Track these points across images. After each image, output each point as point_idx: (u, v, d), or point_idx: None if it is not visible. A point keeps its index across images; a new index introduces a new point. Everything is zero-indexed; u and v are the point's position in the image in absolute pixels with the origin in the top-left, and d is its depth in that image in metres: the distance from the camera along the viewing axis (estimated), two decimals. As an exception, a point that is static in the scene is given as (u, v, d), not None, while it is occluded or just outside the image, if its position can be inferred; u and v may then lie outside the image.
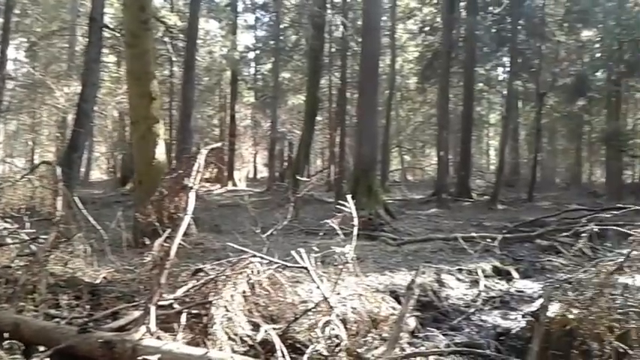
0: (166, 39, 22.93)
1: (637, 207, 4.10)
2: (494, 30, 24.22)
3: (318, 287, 4.11)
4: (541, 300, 4.39)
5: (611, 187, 24.39)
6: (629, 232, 3.07)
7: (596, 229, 4.56)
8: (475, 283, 9.23)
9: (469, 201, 21.23)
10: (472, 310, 7.93)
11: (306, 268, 4.27)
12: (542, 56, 23.31)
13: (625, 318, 3.14)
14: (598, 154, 34.27)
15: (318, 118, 29.31)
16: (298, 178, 11.90)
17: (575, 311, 3.43)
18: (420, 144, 38.36)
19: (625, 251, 3.08)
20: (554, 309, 4.13)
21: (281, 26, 26.40)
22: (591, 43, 27.87)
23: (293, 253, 4.63)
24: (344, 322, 4.30)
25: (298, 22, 23.32)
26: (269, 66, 30.79)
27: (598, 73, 28.59)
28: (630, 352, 3.06)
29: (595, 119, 32.26)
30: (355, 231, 4.84)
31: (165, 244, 5.58)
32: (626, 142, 24.95)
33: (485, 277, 9.17)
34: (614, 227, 4.39)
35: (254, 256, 4.31)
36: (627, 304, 3.22)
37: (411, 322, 6.65)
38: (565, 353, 3.42)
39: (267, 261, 4.41)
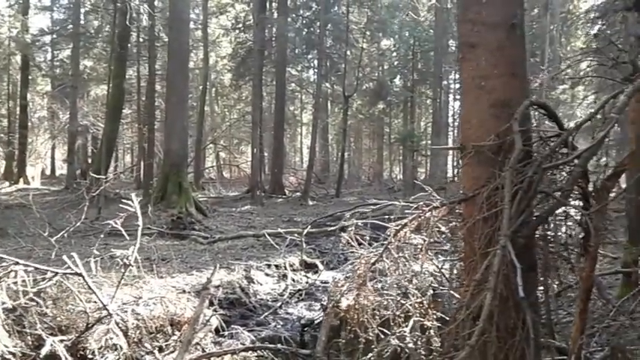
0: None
1: (391, 202, 4.48)
2: (305, 32, 25.16)
3: (93, 293, 3.71)
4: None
5: (406, 183, 27.01)
6: (386, 224, 3.33)
7: (360, 223, 4.91)
8: (283, 277, 9.48)
9: (282, 197, 21.78)
10: (279, 304, 8.11)
11: (80, 275, 3.82)
12: (347, 61, 24.88)
13: (385, 305, 3.40)
14: (397, 153, 37.92)
15: (127, 111, 27.57)
16: (93, 175, 10.89)
17: (345, 301, 3.62)
18: (236, 141, 38.38)
19: (385, 242, 3.34)
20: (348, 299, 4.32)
21: (82, 10, 24.17)
22: (390, 52, 30.65)
23: (65, 258, 4.15)
24: (126, 329, 3.96)
25: (100, 7, 21.53)
26: (68, 52, 28.01)
27: (396, 80, 31.63)
28: (388, 333, 3.31)
29: (394, 122, 35.69)
30: (139, 231, 4.50)
31: None
32: (418, 143, 27.95)
33: (293, 270, 9.46)
34: (375, 221, 4.75)
35: (17, 263, 3.73)
36: (386, 293, 3.50)
37: (214, 322, 6.50)
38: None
39: (33, 268, 3.86)
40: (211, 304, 7.71)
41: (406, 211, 3.23)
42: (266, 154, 28.74)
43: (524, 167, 2.45)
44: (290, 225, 13.64)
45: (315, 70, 29.02)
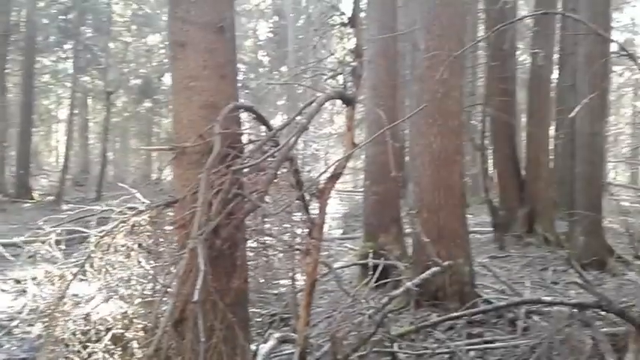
0: None
1: (89, 207, 4.20)
2: (62, 19, 22.90)
3: None
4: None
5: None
6: (90, 232, 3.15)
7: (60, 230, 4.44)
8: (24, 292, 8.56)
9: (31, 202, 19.53)
10: (16, 322, 7.28)
11: None
12: (110, 55, 23.35)
13: (87, 319, 3.20)
14: (167, 153, 36.73)
15: None
16: None
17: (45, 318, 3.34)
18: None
19: (85, 252, 3.14)
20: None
21: None
22: (158, 48, 29.63)
23: None
24: None
25: None
26: None
27: (164, 78, 30.66)
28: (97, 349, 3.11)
29: (163, 121, 34.55)
30: None
31: None
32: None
33: (38, 284, 8.54)
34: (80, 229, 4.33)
35: None
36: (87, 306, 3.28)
37: None
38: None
39: None
40: None
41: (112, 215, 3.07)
42: (13, 152, 25.18)
43: (228, 169, 2.52)
44: (38, 233, 12.25)
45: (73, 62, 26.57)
